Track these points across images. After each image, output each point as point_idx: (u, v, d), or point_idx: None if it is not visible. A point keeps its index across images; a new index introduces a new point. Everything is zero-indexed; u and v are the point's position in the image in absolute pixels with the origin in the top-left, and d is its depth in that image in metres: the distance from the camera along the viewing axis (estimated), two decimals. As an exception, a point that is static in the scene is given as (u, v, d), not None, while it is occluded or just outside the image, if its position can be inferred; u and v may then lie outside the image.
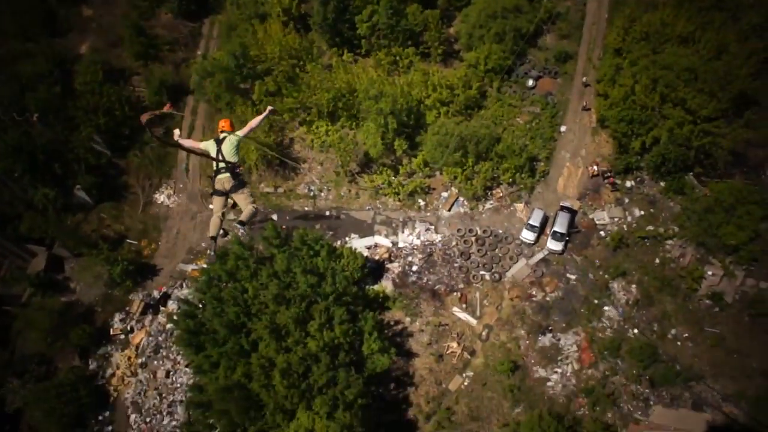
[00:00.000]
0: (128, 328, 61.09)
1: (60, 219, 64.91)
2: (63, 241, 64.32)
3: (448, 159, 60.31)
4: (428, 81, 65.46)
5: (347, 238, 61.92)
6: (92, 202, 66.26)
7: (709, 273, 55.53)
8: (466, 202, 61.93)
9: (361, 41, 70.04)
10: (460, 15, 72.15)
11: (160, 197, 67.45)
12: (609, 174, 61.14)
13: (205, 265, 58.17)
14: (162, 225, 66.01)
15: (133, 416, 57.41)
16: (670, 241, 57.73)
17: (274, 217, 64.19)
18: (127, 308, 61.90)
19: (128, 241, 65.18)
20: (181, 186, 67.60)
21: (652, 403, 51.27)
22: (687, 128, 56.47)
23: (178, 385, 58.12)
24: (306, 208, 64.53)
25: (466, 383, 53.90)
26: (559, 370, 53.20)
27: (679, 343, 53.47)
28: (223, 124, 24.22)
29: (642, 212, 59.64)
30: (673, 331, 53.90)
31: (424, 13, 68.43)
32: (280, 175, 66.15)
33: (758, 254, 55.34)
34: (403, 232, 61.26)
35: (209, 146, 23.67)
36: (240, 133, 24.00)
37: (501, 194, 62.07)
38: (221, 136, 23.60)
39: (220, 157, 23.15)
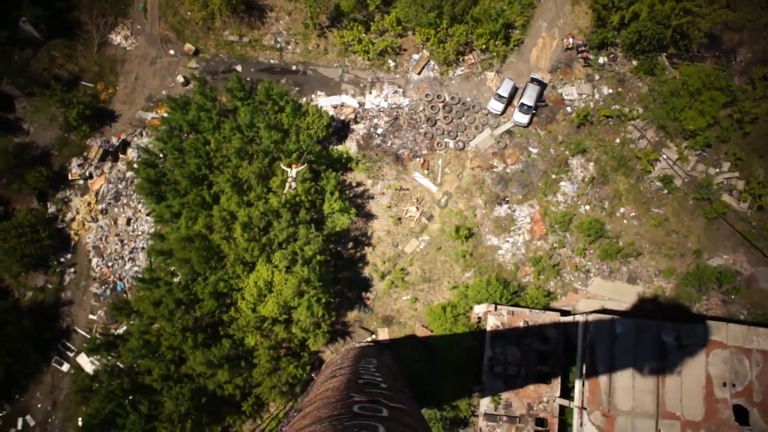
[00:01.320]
0: (87, 173, 59.34)
1: (5, 54, 59.72)
2: (11, 78, 59.74)
3: (421, 18, 56.61)
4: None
5: (313, 96, 59.51)
6: (41, 37, 60.83)
7: (664, 156, 56.11)
8: (436, 66, 59.42)
9: None
10: None
11: (117, 38, 62.37)
12: (583, 48, 58.91)
13: (165, 114, 55.44)
14: (119, 68, 61.74)
15: (95, 260, 57.75)
16: (632, 122, 57.34)
17: (239, 68, 60.69)
18: (85, 153, 59.70)
19: (83, 83, 61.08)
20: (139, 27, 62.32)
21: (591, 275, 53.95)
22: (668, 5, 54.03)
23: (140, 233, 58.06)
24: (272, 61, 60.94)
25: (421, 246, 55.35)
26: (511, 240, 54.90)
27: (625, 221, 55.32)
28: None
29: (610, 90, 58.58)
30: (621, 210, 55.49)
31: None
32: (246, 22, 61.41)
33: (713, 141, 55.91)
34: (370, 92, 59.04)
35: None
36: None
37: (473, 61, 59.54)
38: None
39: None
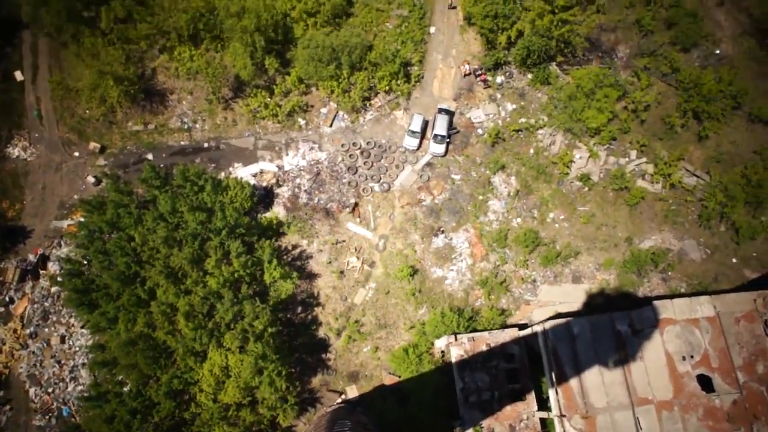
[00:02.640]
0: (6, 299, 55.20)
1: None
2: None
3: (322, 73, 57.02)
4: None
5: (231, 168, 58.46)
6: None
7: (577, 156, 58.30)
8: (346, 116, 59.79)
9: (212, -48, 62.42)
10: None
11: (14, 151, 59.43)
12: (480, 71, 60.94)
13: (82, 219, 52.64)
14: (23, 181, 58.65)
15: (32, 390, 53.59)
16: (541, 131, 59.57)
17: (150, 156, 58.90)
18: (1, 278, 55.51)
19: (-15, 204, 57.51)
20: (37, 135, 59.55)
21: (538, 284, 54.68)
22: (547, 18, 56.74)
23: (77, 349, 54.56)
24: (182, 142, 59.57)
25: (370, 294, 54.66)
26: (455, 267, 55.07)
27: (557, 225, 56.78)
28: None
29: (514, 106, 60.62)
30: (551, 215, 56.94)
31: None
32: (148, 109, 59.93)
33: (616, 133, 58.54)
34: (287, 154, 58.56)
35: None
36: None
37: (379, 103, 60.34)
38: None
39: None
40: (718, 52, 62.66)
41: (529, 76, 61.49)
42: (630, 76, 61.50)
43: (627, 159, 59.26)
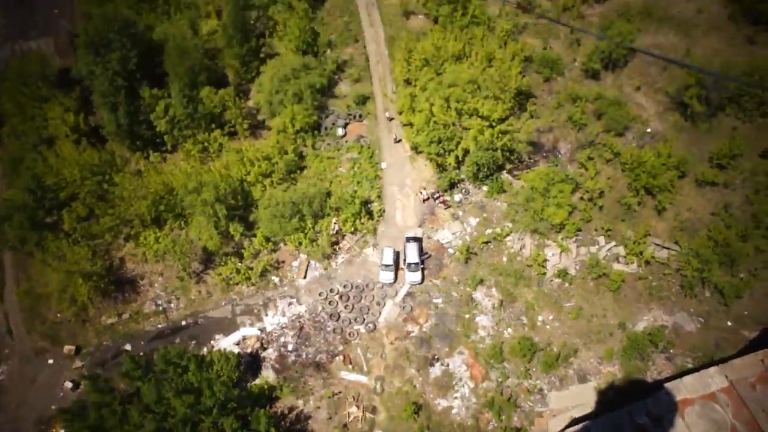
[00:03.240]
0: None
1: None
2: None
3: (286, 228, 58.25)
4: (243, 158, 63.21)
5: (212, 341, 57.26)
6: None
7: (550, 254, 59.18)
8: (318, 264, 60.29)
9: (163, 138, 65.75)
10: (254, 86, 70.68)
11: (-16, 379, 57.10)
12: (438, 194, 63.13)
13: (63, 430, 49.83)
14: (-3, 402, 55.88)
15: None
16: (509, 238, 60.81)
17: (128, 347, 57.43)
18: None
19: (-40, 435, 54.25)
20: (8, 351, 57.91)
21: (546, 392, 52.98)
22: (488, 132, 60.07)
23: None
24: (159, 326, 58.66)
25: (377, 442, 51.72)
26: (458, 395, 53.27)
27: (548, 327, 56.29)
28: None
29: (477, 219, 62.22)
30: (540, 318, 56.57)
31: (218, 93, 66.13)
32: (120, 299, 59.47)
33: (580, 224, 60.10)
34: (267, 314, 58.01)
35: None
36: None
37: (348, 245, 61.22)
38: None
39: None
40: (649, 130, 66.79)
41: (485, 188, 63.88)
42: (578, 168, 64.46)
43: (597, 246, 60.41)
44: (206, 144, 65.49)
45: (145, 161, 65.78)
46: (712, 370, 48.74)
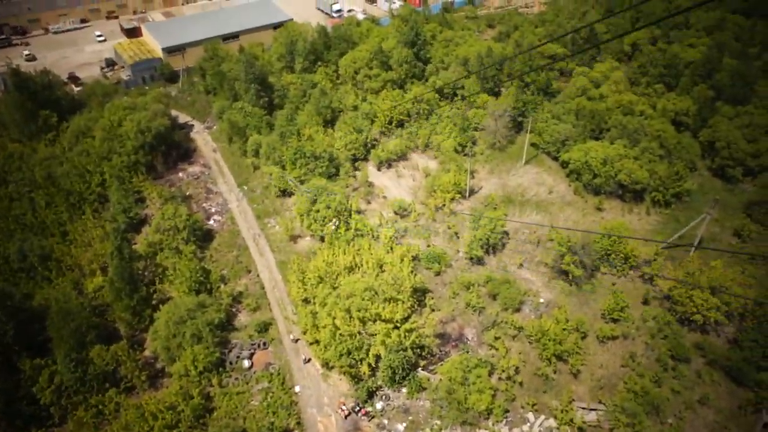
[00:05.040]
0: None
1: None
2: None
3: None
4: (145, 413, 59.82)
5: None
6: None
7: None
8: None
9: (49, 410, 61.14)
10: (149, 334, 69.78)
11: None
12: (359, 407, 62.50)
13: None
14: None
15: None
16: (440, 438, 59.97)
17: None
18: None
19: None
20: None
21: None
22: (394, 334, 62.79)
23: None
24: None
25: None
26: None
27: None
28: None
29: (404, 424, 61.58)
30: None
31: (110, 349, 64.46)
32: None
33: (506, 405, 61.46)
34: None
35: None
36: None
37: (274, 485, 57.06)
38: None
39: None
40: (542, 300, 72.92)
41: (404, 390, 64.31)
42: (488, 350, 67.52)
43: (529, 424, 61.17)
44: (100, 407, 61.62)
45: (26, 446, 60.09)
46: None
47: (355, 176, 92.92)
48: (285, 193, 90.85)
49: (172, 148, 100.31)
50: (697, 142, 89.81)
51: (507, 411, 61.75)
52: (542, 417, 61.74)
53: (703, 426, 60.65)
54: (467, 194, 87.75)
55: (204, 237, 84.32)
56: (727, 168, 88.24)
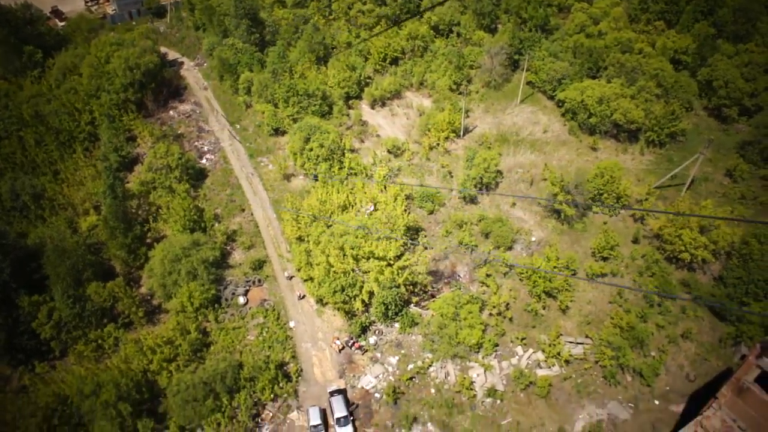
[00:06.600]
0: None
1: None
2: None
3: (202, 412, 56.45)
4: (143, 347, 62.01)
5: None
6: None
7: (475, 375, 61.53)
8: (242, 443, 57.92)
9: (49, 344, 63.23)
10: (144, 272, 71.37)
11: None
12: (352, 341, 64.75)
13: None
14: None
15: None
16: (431, 368, 62.67)
17: None
18: None
19: None
20: None
21: None
22: (387, 271, 64.32)
23: None
24: None
25: None
26: None
27: (491, 449, 56.86)
28: None
29: (396, 357, 64.03)
30: (480, 443, 57.23)
31: (107, 286, 66.04)
32: None
33: (495, 339, 63.80)
34: None
35: None
36: None
37: (271, 413, 59.90)
38: None
39: None
40: (534, 239, 74.57)
41: (397, 325, 66.62)
42: (480, 287, 69.59)
43: (517, 357, 63.80)
44: (100, 341, 63.77)
45: (31, 375, 62.28)
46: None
47: (348, 115, 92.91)
48: (278, 131, 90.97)
49: (162, 86, 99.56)
50: (695, 82, 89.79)
51: (496, 345, 64.28)
52: (530, 350, 64.32)
53: (684, 358, 63.53)
54: (462, 133, 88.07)
55: (197, 176, 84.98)
56: (723, 108, 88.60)
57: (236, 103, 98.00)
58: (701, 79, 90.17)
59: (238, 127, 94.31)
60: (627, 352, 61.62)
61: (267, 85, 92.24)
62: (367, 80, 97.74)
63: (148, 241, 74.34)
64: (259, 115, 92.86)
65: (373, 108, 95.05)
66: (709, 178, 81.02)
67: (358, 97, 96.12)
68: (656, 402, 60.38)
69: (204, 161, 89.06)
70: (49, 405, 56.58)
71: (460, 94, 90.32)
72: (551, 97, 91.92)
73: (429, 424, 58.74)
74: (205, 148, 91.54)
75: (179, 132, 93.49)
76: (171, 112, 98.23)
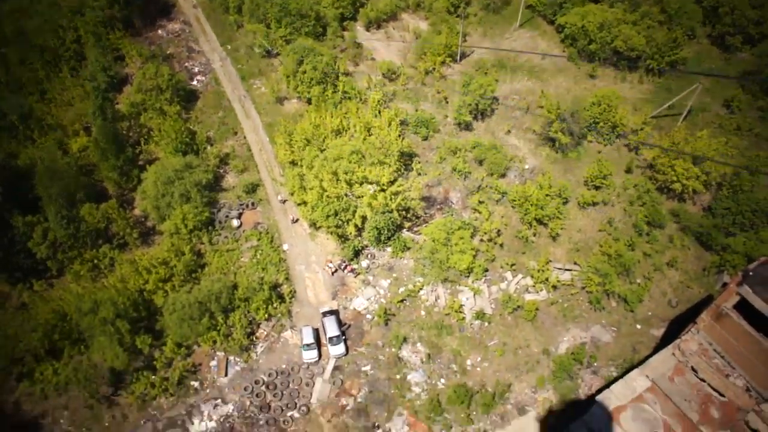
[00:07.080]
0: None
1: None
2: None
3: (197, 329, 58.42)
4: (139, 267, 63.22)
5: (136, 470, 54.48)
6: None
7: (464, 299, 63.45)
8: (238, 359, 60.36)
9: (46, 264, 64.33)
10: (137, 194, 71.64)
11: None
12: (344, 264, 66.20)
13: None
14: None
15: None
16: (422, 292, 64.55)
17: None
18: None
19: None
20: None
21: None
22: (381, 197, 64.90)
23: None
24: (72, 467, 55.10)
25: None
26: (406, 458, 54.28)
27: (478, 369, 59.70)
28: None
29: (388, 281, 65.80)
30: (468, 362, 59.99)
31: (100, 208, 66.50)
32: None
33: (486, 265, 65.37)
34: (192, 423, 56.70)
35: None
36: None
37: (265, 332, 62.05)
38: None
39: None
40: (527, 167, 75.04)
41: (389, 249, 67.96)
42: (472, 213, 70.56)
43: (506, 282, 65.64)
44: (96, 261, 64.91)
45: (29, 292, 63.73)
46: (634, 373, 53.71)
47: (342, 36, 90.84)
48: (270, 53, 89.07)
49: (149, 3, 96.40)
50: (699, 8, 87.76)
51: (486, 270, 65.90)
52: (519, 276, 66.08)
53: (668, 285, 65.53)
54: (458, 58, 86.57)
55: (188, 97, 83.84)
56: (727, 36, 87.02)
57: (227, 22, 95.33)
58: (707, 5, 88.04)
59: (229, 48, 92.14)
60: (613, 279, 63.43)
61: (259, 4, 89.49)
62: (363, 0, 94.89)
63: (141, 163, 74.22)
64: (250, 35, 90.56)
65: (368, 30, 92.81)
66: (707, 109, 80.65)
67: (353, 18, 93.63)
68: (638, 326, 62.82)
69: (195, 83, 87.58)
70: (49, 321, 58.24)
71: (458, 16, 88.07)
72: (551, 22, 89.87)
73: (419, 344, 61.12)
74: (196, 69, 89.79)
75: (168, 52, 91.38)
76: (159, 31, 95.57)
